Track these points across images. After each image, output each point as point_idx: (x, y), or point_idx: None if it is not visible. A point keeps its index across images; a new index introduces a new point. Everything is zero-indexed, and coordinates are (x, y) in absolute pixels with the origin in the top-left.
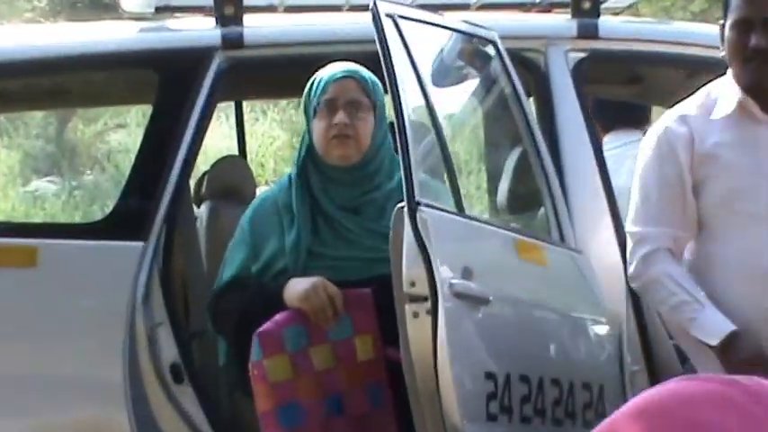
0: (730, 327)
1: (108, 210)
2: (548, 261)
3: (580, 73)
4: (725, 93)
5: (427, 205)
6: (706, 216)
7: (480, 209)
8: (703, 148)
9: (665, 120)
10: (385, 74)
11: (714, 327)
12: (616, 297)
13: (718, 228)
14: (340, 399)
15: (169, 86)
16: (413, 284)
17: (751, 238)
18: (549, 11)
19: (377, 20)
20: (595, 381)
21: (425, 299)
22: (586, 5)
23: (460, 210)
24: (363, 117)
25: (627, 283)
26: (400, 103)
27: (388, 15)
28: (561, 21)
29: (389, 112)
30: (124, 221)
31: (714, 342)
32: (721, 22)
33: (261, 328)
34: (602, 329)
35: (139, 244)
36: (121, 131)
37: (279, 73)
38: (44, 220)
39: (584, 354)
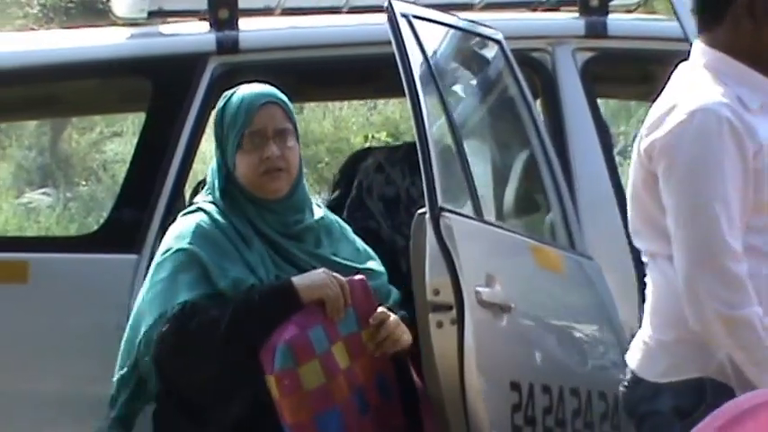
0: None
1: (102, 221)
2: (563, 268)
3: (588, 73)
4: (752, 82)
5: (450, 211)
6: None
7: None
8: (757, 140)
9: (713, 109)
10: (403, 77)
11: None
12: (628, 305)
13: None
14: (363, 395)
15: (162, 93)
16: (437, 293)
17: None
18: (557, 9)
19: (393, 20)
20: (610, 391)
21: (450, 308)
22: (594, 3)
23: (479, 215)
24: (291, 145)
25: (640, 291)
26: (420, 108)
27: (404, 15)
28: (568, 19)
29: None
30: (117, 233)
31: None
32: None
33: (288, 335)
34: (614, 338)
35: (133, 257)
36: (117, 140)
37: (276, 78)
38: (38, 233)
39: (599, 363)
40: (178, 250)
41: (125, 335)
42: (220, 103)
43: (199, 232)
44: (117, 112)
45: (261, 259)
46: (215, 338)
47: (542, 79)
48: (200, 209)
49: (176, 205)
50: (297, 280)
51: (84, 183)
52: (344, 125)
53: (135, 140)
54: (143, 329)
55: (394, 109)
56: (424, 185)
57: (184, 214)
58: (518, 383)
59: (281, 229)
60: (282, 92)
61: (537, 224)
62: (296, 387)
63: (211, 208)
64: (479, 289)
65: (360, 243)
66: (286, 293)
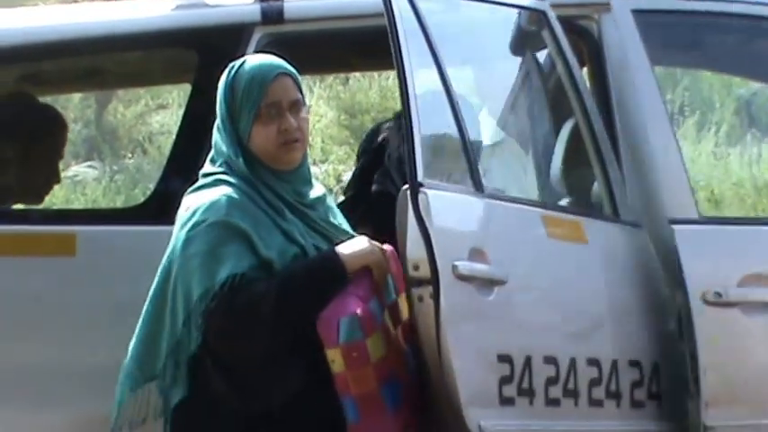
0: None
1: (148, 194)
2: (588, 238)
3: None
4: None
5: (432, 186)
6: None
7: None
8: None
9: None
10: (392, 48)
11: None
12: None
13: None
14: (410, 363)
15: (207, 65)
16: (416, 268)
17: None
18: None
19: None
20: (647, 358)
21: (429, 282)
22: None
23: (478, 188)
24: (305, 116)
25: None
26: (406, 80)
27: None
28: None
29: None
30: (163, 205)
31: None
32: None
33: (353, 307)
34: (657, 305)
35: None
36: (163, 112)
37: (322, 48)
38: (84, 205)
39: (633, 331)
40: (214, 222)
41: (151, 308)
42: (228, 75)
43: (232, 203)
44: (162, 84)
45: (296, 228)
46: (264, 314)
47: (589, 47)
48: (221, 180)
49: None
50: (342, 249)
51: (129, 155)
52: (391, 95)
53: (180, 112)
54: (183, 306)
55: None
56: (406, 160)
57: (200, 187)
58: (508, 356)
59: (298, 199)
60: (291, 65)
61: (580, 194)
62: (365, 359)
63: (233, 179)
64: (458, 263)
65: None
66: (333, 264)
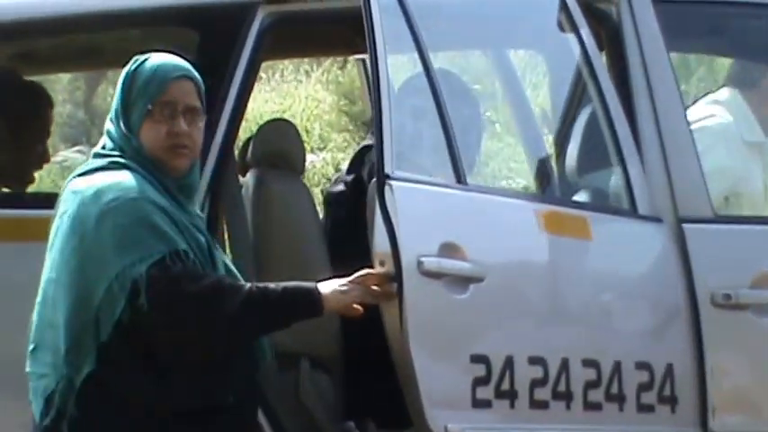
0: None
1: None
2: (594, 234)
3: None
4: None
5: (403, 179)
6: None
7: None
8: None
9: None
10: (366, 34)
11: None
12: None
13: None
14: None
15: (209, 45)
16: (382, 263)
17: None
18: None
19: None
20: (658, 360)
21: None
22: None
23: (460, 181)
24: (199, 126)
25: None
26: (378, 67)
27: None
28: None
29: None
30: None
31: None
32: None
33: None
34: (670, 304)
35: None
36: None
37: (326, 27)
38: None
39: (643, 332)
40: (136, 198)
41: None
42: (131, 66)
43: (143, 183)
44: None
45: (184, 225)
46: (227, 309)
47: (608, 31)
48: (119, 164)
49: (226, 162)
50: (323, 288)
51: None
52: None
53: None
54: (103, 277)
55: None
56: (375, 150)
57: (97, 169)
58: (485, 356)
59: (181, 202)
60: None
61: (596, 187)
62: None
63: (130, 164)
64: (424, 259)
65: None
66: (312, 298)
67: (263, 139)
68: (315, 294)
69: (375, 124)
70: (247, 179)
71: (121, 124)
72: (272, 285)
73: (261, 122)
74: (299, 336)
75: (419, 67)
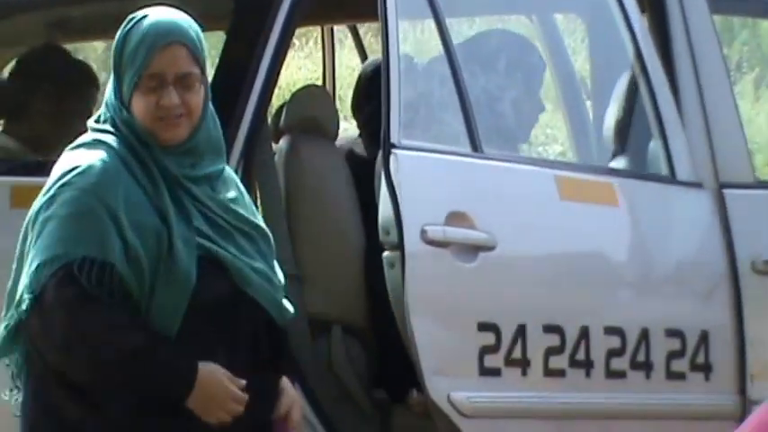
0: None
1: None
2: (620, 199)
3: None
4: None
5: (410, 147)
6: None
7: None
8: None
9: None
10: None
11: None
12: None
13: None
14: None
15: (244, 11)
16: (387, 233)
17: None
18: None
19: None
20: (691, 327)
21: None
22: None
23: (476, 149)
24: (195, 90)
25: None
26: (387, 37)
27: None
28: None
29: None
30: None
31: None
32: None
33: None
34: (706, 272)
35: None
36: None
37: None
38: None
39: (674, 299)
40: (83, 189)
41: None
42: (124, 28)
43: (105, 172)
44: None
45: (172, 207)
46: (104, 347)
47: None
48: (100, 142)
49: (259, 129)
50: (201, 379)
51: None
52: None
53: (215, 62)
54: (26, 272)
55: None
56: (383, 119)
57: (80, 145)
58: (493, 324)
59: (183, 172)
60: (189, 21)
61: (636, 152)
62: None
63: (114, 142)
64: (428, 228)
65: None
66: (184, 383)
67: (297, 105)
68: (190, 383)
69: (383, 93)
70: (280, 145)
71: (114, 94)
72: (160, 352)
73: (294, 90)
74: (332, 303)
75: (458, 36)
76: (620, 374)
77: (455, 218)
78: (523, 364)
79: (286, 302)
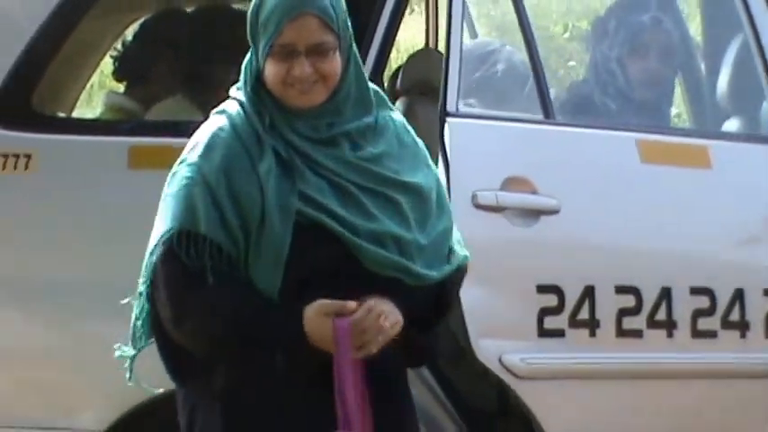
0: None
1: None
2: (714, 162)
3: None
4: None
5: (468, 115)
6: None
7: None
8: None
9: None
10: None
11: None
12: None
13: None
14: None
15: None
16: None
17: None
18: None
19: None
20: None
21: None
22: None
23: (549, 116)
24: (330, 57)
25: None
26: (451, 9)
27: None
28: None
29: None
30: None
31: None
32: None
33: None
34: None
35: None
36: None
37: None
38: None
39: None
40: (191, 164)
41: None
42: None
43: (214, 144)
44: None
45: (270, 171)
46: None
47: None
48: (223, 111)
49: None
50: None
51: None
52: (543, 13)
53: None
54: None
55: None
56: (441, 87)
57: (218, 112)
58: (554, 286)
59: (311, 134)
60: None
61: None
62: None
63: (235, 110)
64: (479, 193)
65: (422, 150)
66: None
67: (413, 68)
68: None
69: (444, 61)
70: (396, 107)
71: (251, 59)
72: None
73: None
74: None
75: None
76: (712, 334)
77: (513, 183)
78: (591, 325)
79: (426, 264)
